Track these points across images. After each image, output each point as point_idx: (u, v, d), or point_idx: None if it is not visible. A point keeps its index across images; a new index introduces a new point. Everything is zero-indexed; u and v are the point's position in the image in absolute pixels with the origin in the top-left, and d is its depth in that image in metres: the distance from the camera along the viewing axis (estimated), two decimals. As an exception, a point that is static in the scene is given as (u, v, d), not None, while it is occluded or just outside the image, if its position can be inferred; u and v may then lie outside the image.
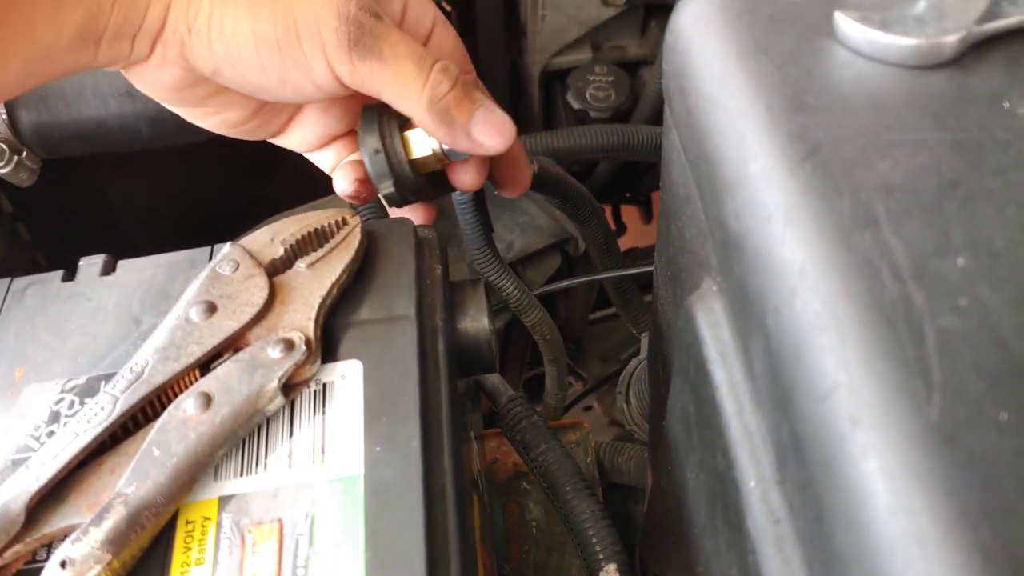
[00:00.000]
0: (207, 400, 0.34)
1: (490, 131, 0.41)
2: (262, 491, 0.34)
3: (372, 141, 0.41)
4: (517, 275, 0.64)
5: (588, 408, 0.98)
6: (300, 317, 0.37)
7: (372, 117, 0.42)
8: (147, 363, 0.36)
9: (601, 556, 0.47)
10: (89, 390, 0.38)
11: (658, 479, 0.44)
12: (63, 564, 0.30)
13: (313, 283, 0.38)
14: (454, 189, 0.47)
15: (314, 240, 0.40)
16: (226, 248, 0.40)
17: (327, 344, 0.38)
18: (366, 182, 0.44)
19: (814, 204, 0.25)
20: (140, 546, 0.32)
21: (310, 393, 0.36)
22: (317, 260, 0.39)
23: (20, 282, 0.43)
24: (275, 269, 0.39)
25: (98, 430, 0.34)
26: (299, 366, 0.36)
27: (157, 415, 0.34)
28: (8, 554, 0.32)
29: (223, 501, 0.34)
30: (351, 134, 0.47)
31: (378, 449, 0.34)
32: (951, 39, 0.27)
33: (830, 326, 0.23)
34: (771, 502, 0.26)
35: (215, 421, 0.34)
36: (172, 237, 0.48)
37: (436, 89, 0.39)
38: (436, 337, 0.39)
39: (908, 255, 0.23)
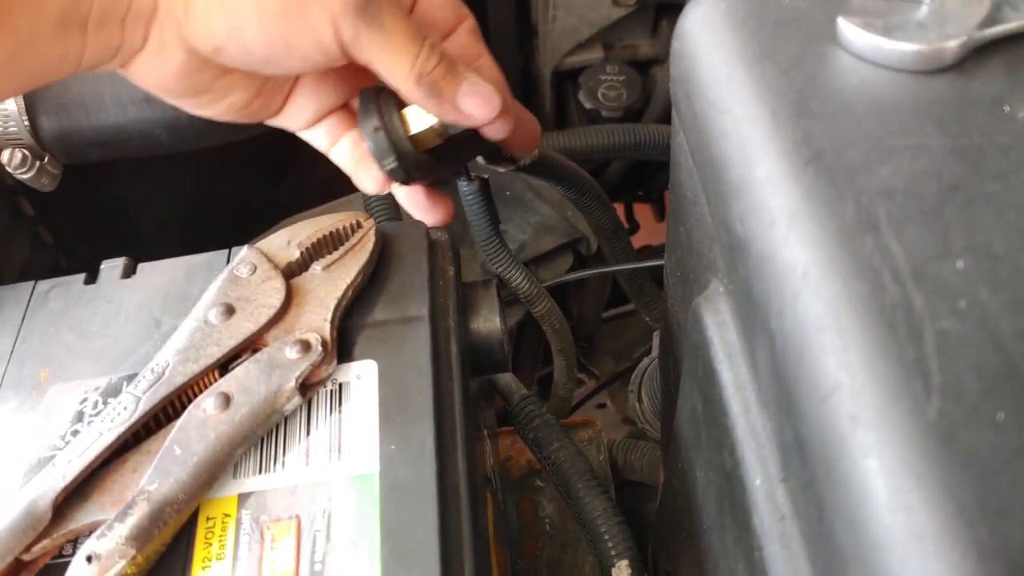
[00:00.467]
0: (226, 400, 0.35)
1: (476, 101, 0.41)
2: (280, 488, 0.35)
3: (371, 120, 0.42)
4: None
5: (601, 406, 0.99)
6: (316, 318, 0.38)
7: (369, 97, 0.43)
8: (168, 364, 0.36)
9: (613, 553, 0.48)
10: (112, 390, 0.39)
11: (669, 477, 0.45)
12: (89, 559, 0.31)
13: (328, 285, 0.39)
14: (460, 168, 0.48)
15: (329, 243, 0.41)
16: (243, 251, 0.41)
17: (343, 345, 0.38)
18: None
19: (817, 208, 0.25)
20: (163, 541, 0.33)
21: (326, 393, 0.37)
22: (332, 263, 0.40)
23: (44, 285, 0.44)
24: (291, 271, 0.40)
25: (121, 429, 0.35)
26: (315, 366, 0.36)
27: (178, 415, 0.35)
28: (36, 549, 0.33)
29: (242, 498, 0.35)
30: (343, 109, 0.47)
31: (393, 447, 0.35)
32: (952, 44, 0.28)
33: (832, 328, 0.23)
34: (776, 500, 0.27)
35: (234, 420, 0.35)
36: (189, 240, 0.49)
37: (426, 63, 0.40)
38: (449, 337, 0.40)
39: (909, 258, 0.24)
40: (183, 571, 0.33)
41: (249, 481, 0.35)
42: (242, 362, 0.37)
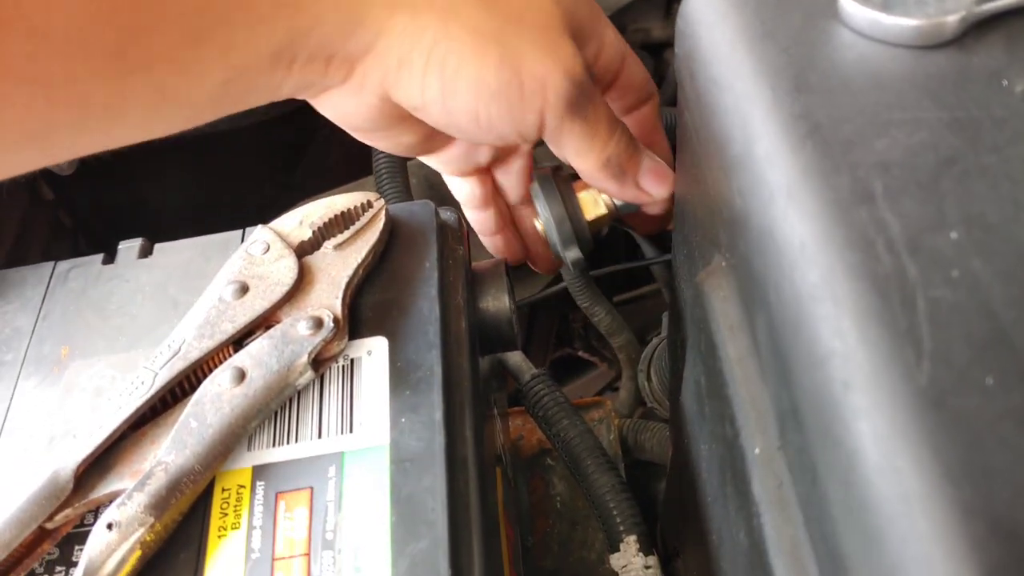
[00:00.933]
0: (241, 374, 0.36)
1: (655, 180, 0.43)
2: (293, 460, 0.36)
3: (557, 209, 0.44)
4: None
5: (615, 388, 0.99)
6: (328, 296, 0.39)
7: (550, 186, 0.44)
8: (184, 340, 0.37)
9: (622, 528, 0.48)
10: (130, 366, 0.40)
11: (676, 453, 0.46)
12: (109, 526, 0.32)
13: (340, 263, 0.40)
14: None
15: (341, 222, 0.41)
16: (257, 231, 0.41)
17: (354, 322, 0.39)
18: (547, 256, 0.48)
19: (814, 182, 0.26)
20: (180, 511, 0.34)
21: (338, 368, 0.38)
22: (344, 242, 0.41)
23: (63, 265, 0.45)
24: (304, 250, 0.41)
25: (139, 403, 0.36)
26: (328, 342, 0.37)
27: (193, 389, 0.36)
28: (59, 518, 0.34)
29: (257, 470, 0.36)
30: (486, 170, 0.49)
31: (403, 420, 0.36)
32: (952, 19, 0.28)
33: (827, 297, 0.24)
34: (774, 467, 0.27)
35: (248, 394, 0.36)
36: (205, 222, 0.50)
37: (616, 148, 0.41)
38: (458, 315, 0.41)
39: (903, 230, 0.24)
40: (200, 539, 0.34)
41: (263, 453, 0.36)
42: (256, 338, 0.38)
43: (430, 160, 0.48)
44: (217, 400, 0.36)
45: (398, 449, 0.35)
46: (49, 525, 0.34)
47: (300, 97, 0.39)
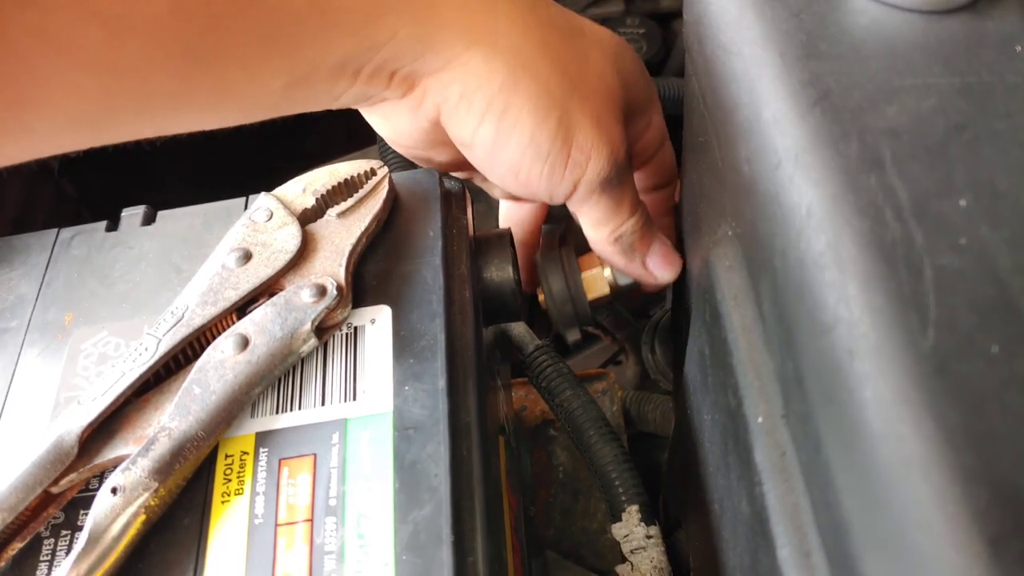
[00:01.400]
0: (244, 342, 0.36)
1: (663, 263, 0.44)
2: (297, 427, 0.36)
3: (560, 290, 0.44)
4: None
5: (618, 362, 0.99)
6: (331, 264, 0.39)
7: (556, 266, 0.45)
8: (187, 307, 0.37)
9: (624, 498, 0.48)
10: (133, 333, 0.40)
11: (678, 424, 0.46)
12: (114, 490, 0.33)
13: (343, 231, 0.40)
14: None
15: (344, 190, 0.41)
16: (260, 198, 0.41)
17: (357, 290, 0.39)
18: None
19: (822, 148, 0.26)
20: (184, 476, 0.34)
21: (342, 336, 0.38)
22: (347, 209, 0.40)
23: (66, 232, 0.45)
24: (307, 218, 0.41)
25: (142, 369, 0.36)
26: (331, 310, 0.37)
27: (197, 356, 0.36)
28: (64, 482, 0.34)
29: (260, 436, 0.36)
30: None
31: (406, 388, 0.36)
32: (965, -17, 0.27)
33: (833, 264, 0.23)
34: (777, 436, 0.27)
35: (252, 361, 0.36)
36: (212, 192, 0.49)
37: (632, 227, 0.43)
38: (462, 284, 0.41)
39: (911, 196, 0.24)
40: (203, 505, 0.34)
41: (266, 420, 0.36)
42: (259, 305, 0.38)
43: (457, 174, 0.49)
44: (220, 367, 0.36)
45: (401, 416, 0.35)
46: (54, 489, 0.34)
47: (357, 107, 0.39)
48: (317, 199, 0.41)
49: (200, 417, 0.35)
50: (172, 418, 0.35)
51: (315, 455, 0.35)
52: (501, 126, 0.37)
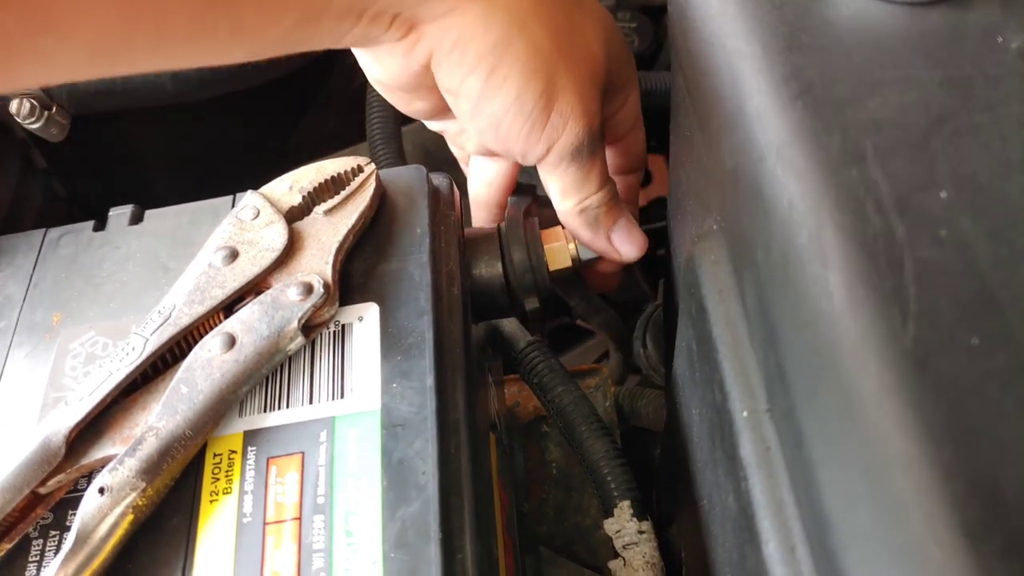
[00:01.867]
0: (231, 340, 0.36)
1: (627, 239, 0.46)
2: (285, 425, 0.36)
3: (520, 259, 0.45)
4: None
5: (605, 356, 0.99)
6: (318, 261, 0.39)
7: (517, 233, 0.45)
8: (174, 306, 0.37)
9: (616, 494, 0.48)
10: (121, 332, 0.40)
11: (669, 419, 0.46)
12: (101, 491, 0.33)
13: (330, 229, 0.40)
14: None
15: (331, 187, 0.41)
16: (247, 196, 0.41)
17: (345, 287, 0.39)
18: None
19: (804, 141, 0.25)
20: (172, 475, 0.34)
21: (329, 334, 0.38)
22: (334, 207, 0.40)
23: (54, 232, 0.45)
24: (294, 216, 0.40)
25: (130, 369, 0.36)
26: (318, 308, 0.37)
27: (184, 355, 0.36)
28: (51, 483, 0.34)
29: (248, 435, 0.36)
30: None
31: (394, 386, 0.36)
32: (947, -25, 0.27)
33: (814, 258, 0.23)
34: (762, 431, 0.27)
35: (239, 360, 0.36)
36: (201, 191, 0.49)
37: (599, 200, 0.44)
38: (451, 281, 0.40)
39: (893, 189, 0.24)
40: (192, 504, 0.34)
41: (254, 419, 0.36)
42: (246, 304, 0.38)
43: (429, 124, 0.49)
44: (208, 366, 0.36)
45: (389, 414, 0.35)
46: (42, 490, 0.34)
47: (356, 47, 0.40)
48: (304, 197, 0.41)
49: (187, 416, 0.35)
50: (159, 418, 0.34)
51: (303, 453, 0.35)
52: (490, 80, 0.38)
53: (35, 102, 0.52)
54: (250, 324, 0.36)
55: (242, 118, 0.73)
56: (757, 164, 0.26)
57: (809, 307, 0.23)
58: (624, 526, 0.47)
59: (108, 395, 0.35)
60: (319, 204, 0.41)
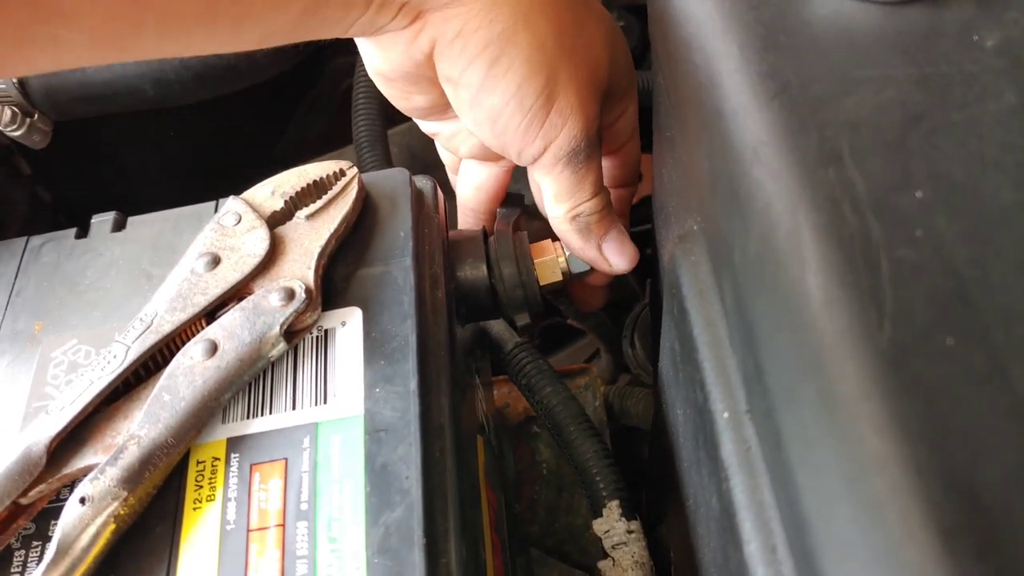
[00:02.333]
0: (213, 347, 0.36)
1: (618, 250, 0.45)
2: (268, 432, 0.36)
3: (510, 274, 0.44)
4: None
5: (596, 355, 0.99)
6: (300, 267, 0.38)
7: (507, 248, 0.45)
8: (156, 314, 0.37)
9: (604, 493, 0.48)
10: (104, 340, 0.39)
11: (655, 418, 0.46)
12: (83, 500, 0.32)
13: (312, 233, 0.40)
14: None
15: (313, 192, 0.41)
16: (229, 202, 0.41)
17: (328, 292, 0.39)
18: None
19: (781, 142, 0.25)
20: (154, 484, 0.34)
21: (312, 339, 0.38)
22: (316, 211, 0.40)
23: (36, 240, 0.44)
24: (276, 221, 0.40)
25: (111, 377, 0.35)
26: (300, 313, 0.37)
27: (166, 362, 0.36)
28: (33, 493, 0.34)
29: (231, 442, 0.35)
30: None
31: (377, 390, 0.36)
32: (923, -27, 0.27)
33: (790, 259, 0.23)
34: (743, 432, 0.27)
35: (221, 367, 0.35)
36: (189, 194, 0.49)
37: (591, 208, 0.43)
38: (434, 284, 0.40)
39: (869, 189, 0.24)
40: (175, 512, 0.34)
41: (237, 425, 0.36)
42: (228, 310, 0.37)
43: (423, 124, 0.49)
44: (189, 373, 0.35)
45: (372, 419, 0.35)
46: (24, 500, 0.34)
47: (361, 36, 0.39)
48: (286, 201, 0.40)
49: (170, 424, 0.34)
50: (141, 426, 0.34)
51: (286, 460, 0.35)
52: (492, 71, 0.38)
53: (16, 109, 0.52)
54: (232, 331, 0.36)
55: (229, 123, 0.72)
56: (734, 164, 0.26)
57: (786, 308, 0.23)
58: (613, 526, 0.47)
59: (90, 404, 0.35)
60: (301, 209, 0.40)
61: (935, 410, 0.20)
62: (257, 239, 0.39)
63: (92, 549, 0.32)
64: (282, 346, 0.37)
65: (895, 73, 0.26)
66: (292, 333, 0.37)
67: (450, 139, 0.49)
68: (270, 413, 0.36)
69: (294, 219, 0.40)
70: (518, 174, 0.51)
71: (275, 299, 0.37)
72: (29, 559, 0.34)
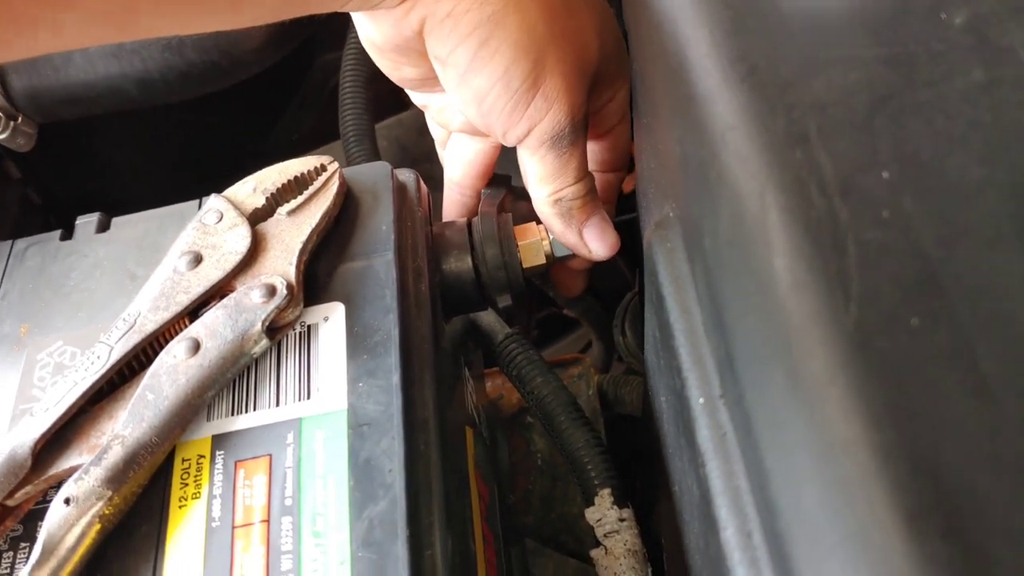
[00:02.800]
0: (196, 345, 0.36)
1: (599, 235, 0.45)
2: (252, 428, 0.36)
3: (493, 255, 0.44)
4: None
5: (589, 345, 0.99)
6: (282, 263, 0.38)
7: (491, 229, 0.45)
8: (139, 313, 0.37)
9: (596, 482, 0.48)
10: (89, 342, 0.39)
11: (644, 406, 0.46)
12: (67, 501, 0.32)
13: (294, 229, 0.40)
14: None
15: (294, 188, 0.41)
16: (210, 200, 0.41)
17: (310, 287, 0.39)
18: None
19: (749, 125, 0.25)
20: (139, 483, 0.34)
21: (295, 335, 0.38)
22: (297, 207, 0.40)
23: (21, 243, 0.44)
24: (257, 218, 0.40)
25: (95, 378, 0.35)
26: (282, 309, 0.37)
27: (150, 362, 0.36)
28: (19, 495, 0.34)
29: (216, 439, 0.36)
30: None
31: (360, 385, 0.36)
32: (890, -49, 0.27)
33: (758, 243, 0.23)
34: (718, 417, 0.27)
35: (204, 365, 0.36)
36: (179, 193, 0.49)
37: (574, 192, 0.43)
38: (417, 277, 0.40)
39: (836, 171, 0.23)
40: (161, 511, 0.34)
41: (222, 423, 0.36)
42: (211, 308, 0.37)
43: (424, 97, 0.49)
44: (173, 372, 0.35)
45: (356, 413, 0.35)
46: (10, 502, 0.34)
47: (355, 11, 0.39)
48: (267, 198, 0.40)
49: (154, 423, 0.34)
50: (125, 425, 0.34)
51: (270, 456, 0.35)
52: (480, 53, 0.38)
53: (0, 113, 0.52)
54: (214, 328, 0.36)
55: (218, 120, 0.72)
56: (704, 148, 0.26)
57: (754, 292, 0.23)
58: (605, 514, 0.47)
59: (74, 404, 0.35)
60: (283, 205, 0.40)
61: (901, 392, 0.20)
62: (238, 236, 0.39)
63: (78, 549, 0.32)
64: (264, 342, 0.37)
65: (863, 53, 0.26)
66: (274, 329, 0.37)
67: (440, 112, 0.49)
68: (254, 409, 0.36)
69: (275, 215, 0.40)
70: (508, 156, 0.51)
71: (257, 296, 0.37)
72: (17, 560, 0.34)
